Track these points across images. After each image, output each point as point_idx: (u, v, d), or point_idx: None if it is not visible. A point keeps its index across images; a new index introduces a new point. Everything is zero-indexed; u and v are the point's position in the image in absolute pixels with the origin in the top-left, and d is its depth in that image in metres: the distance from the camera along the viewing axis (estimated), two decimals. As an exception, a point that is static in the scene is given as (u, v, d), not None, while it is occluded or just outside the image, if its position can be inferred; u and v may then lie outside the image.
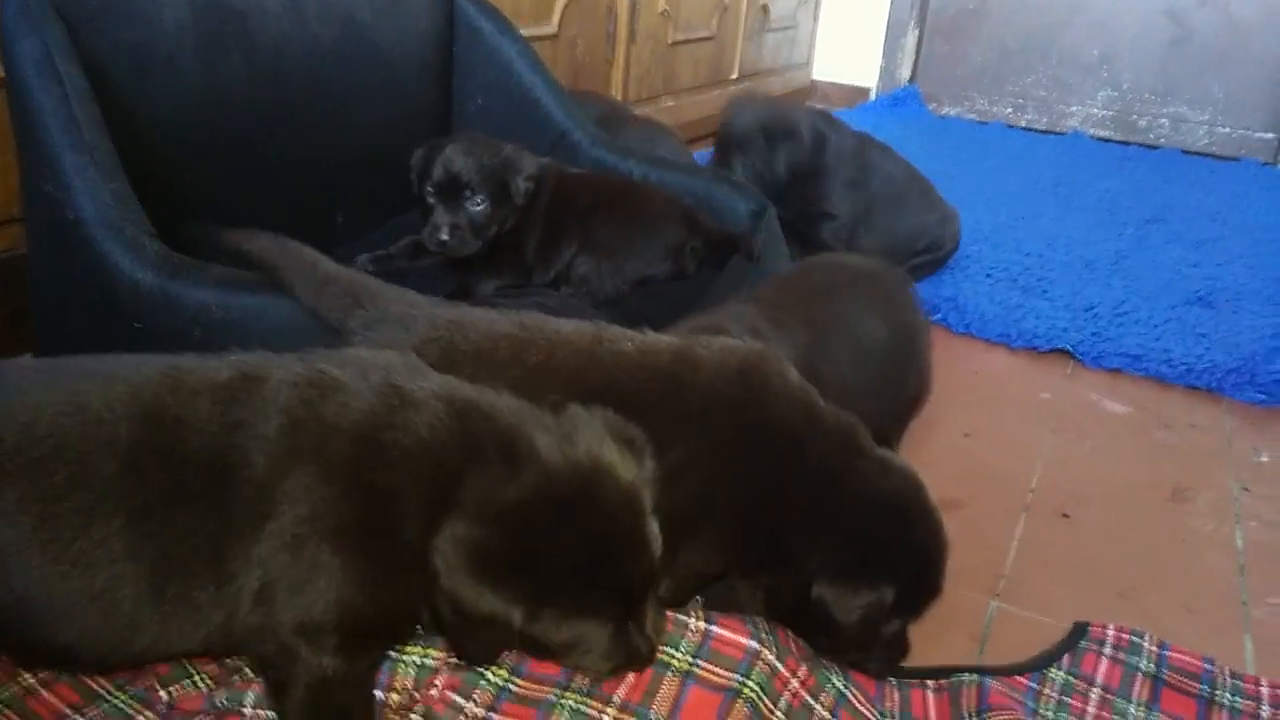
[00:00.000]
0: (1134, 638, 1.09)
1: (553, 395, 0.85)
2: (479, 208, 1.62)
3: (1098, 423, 1.65)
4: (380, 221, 1.82)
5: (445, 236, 1.61)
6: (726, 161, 2.08)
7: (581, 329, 0.98)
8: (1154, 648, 1.08)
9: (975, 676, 1.01)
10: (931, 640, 1.06)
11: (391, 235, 1.76)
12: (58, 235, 1.21)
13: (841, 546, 0.90)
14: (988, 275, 2.22)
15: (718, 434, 0.90)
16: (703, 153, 2.41)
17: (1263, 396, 1.76)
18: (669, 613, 0.91)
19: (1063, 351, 1.89)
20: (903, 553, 0.92)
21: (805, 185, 2.11)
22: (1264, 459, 1.56)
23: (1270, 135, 3.89)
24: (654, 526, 0.80)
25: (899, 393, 1.28)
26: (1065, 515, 1.35)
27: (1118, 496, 1.42)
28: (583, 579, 0.76)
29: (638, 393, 0.90)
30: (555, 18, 2.65)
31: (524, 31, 2.29)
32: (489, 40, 1.89)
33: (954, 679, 1.02)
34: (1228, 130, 3.97)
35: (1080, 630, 1.10)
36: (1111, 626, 1.10)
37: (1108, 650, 1.08)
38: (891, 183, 2.19)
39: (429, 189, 1.62)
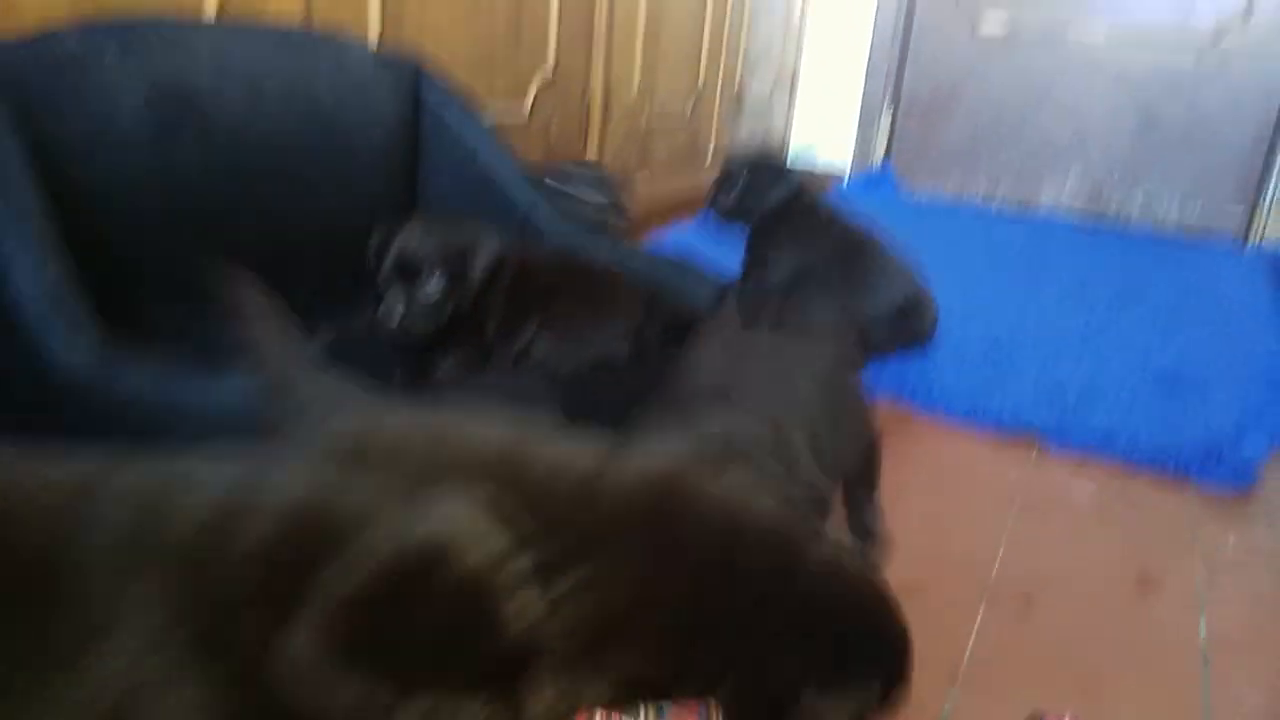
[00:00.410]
0: (1094, 731, 1.06)
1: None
2: (435, 289, 1.61)
3: (1063, 506, 1.63)
4: (339, 303, 1.81)
5: (399, 317, 1.60)
6: (726, 186, 2.25)
7: (502, 434, 0.93)
8: (1114, 743, 1.05)
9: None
10: None
11: (350, 316, 1.75)
12: (-7, 318, 1.19)
13: (816, 653, 0.87)
14: (955, 354, 2.22)
15: (627, 552, 0.86)
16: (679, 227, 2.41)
17: (1232, 480, 1.74)
18: (616, 714, 0.87)
19: (1030, 432, 1.88)
20: (878, 645, 0.89)
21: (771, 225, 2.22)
22: (1230, 546, 1.53)
23: (1239, 215, 3.94)
24: (514, 604, 0.74)
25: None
26: (1028, 603, 1.32)
27: (1081, 584, 1.39)
28: (441, 655, 0.71)
29: (545, 504, 0.86)
30: (528, 100, 2.68)
31: (497, 113, 2.32)
32: (453, 125, 1.91)
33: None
34: (1198, 210, 4.01)
35: (1037, 721, 1.07)
36: (1068, 715, 1.07)
37: (1067, 743, 1.05)
38: (848, 253, 2.26)
39: (384, 270, 1.62)
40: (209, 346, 1.39)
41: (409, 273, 1.61)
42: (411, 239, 1.61)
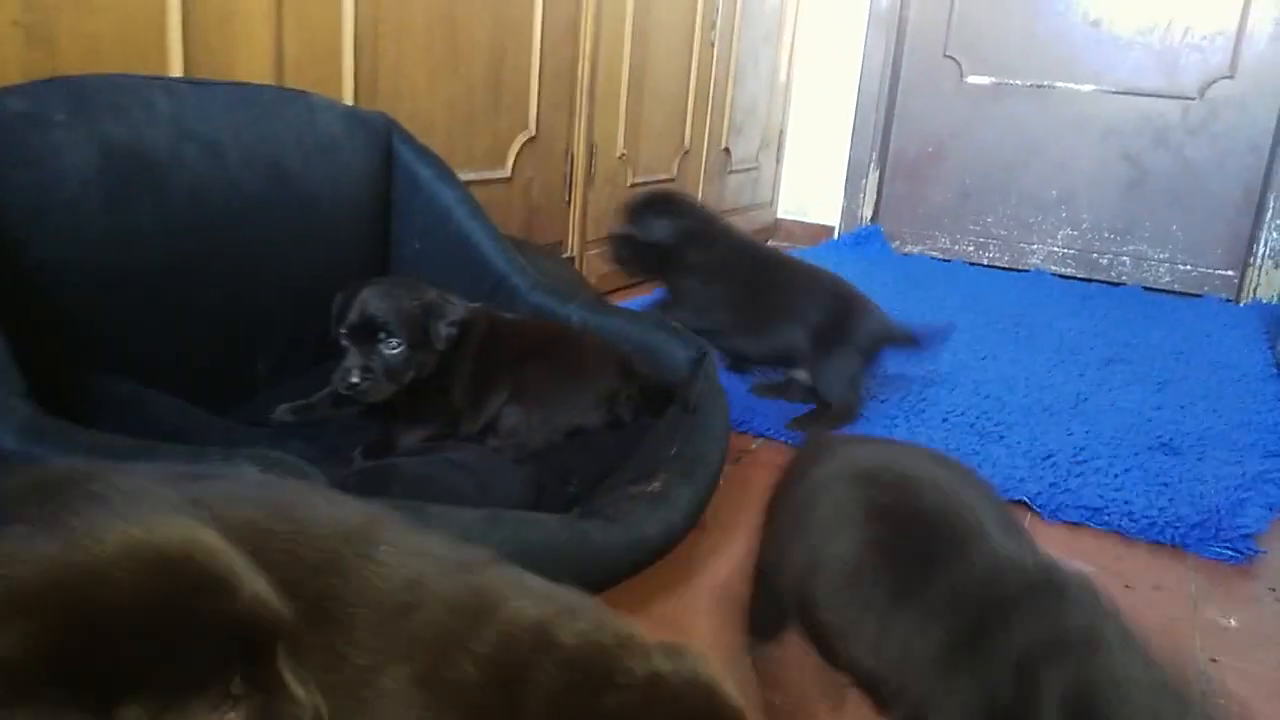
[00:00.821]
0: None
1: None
2: (394, 351, 1.55)
3: (1056, 583, 1.55)
4: (306, 369, 1.75)
5: (355, 379, 1.54)
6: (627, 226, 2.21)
7: (344, 520, 0.81)
8: None
9: None
10: None
11: (318, 383, 1.69)
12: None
13: None
14: (944, 420, 2.16)
15: (426, 663, 0.77)
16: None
17: (1229, 553, 1.67)
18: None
19: (1020, 503, 1.81)
20: None
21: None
22: (1232, 624, 1.46)
23: (1230, 272, 3.91)
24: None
25: None
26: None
27: (1075, 669, 1.31)
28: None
29: (359, 608, 0.77)
30: (510, 161, 2.65)
31: (478, 174, 2.29)
32: (426, 186, 1.87)
33: None
34: (1188, 268, 3.99)
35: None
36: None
37: None
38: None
39: (343, 331, 1.56)
40: (150, 421, 1.34)
41: (367, 334, 1.55)
42: (373, 300, 1.56)
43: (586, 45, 2.87)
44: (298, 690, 0.62)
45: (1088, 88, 4.00)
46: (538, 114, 2.72)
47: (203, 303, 1.56)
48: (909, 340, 2.26)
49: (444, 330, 1.58)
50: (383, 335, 1.55)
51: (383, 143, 1.83)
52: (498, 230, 1.86)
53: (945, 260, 4.30)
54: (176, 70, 1.68)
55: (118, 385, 1.40)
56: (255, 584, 0.60)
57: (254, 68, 1.80)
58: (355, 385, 1.54)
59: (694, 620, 1.30)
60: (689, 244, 2.19)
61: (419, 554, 0.79)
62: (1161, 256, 4.02)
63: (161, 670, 0.55)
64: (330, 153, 1.72)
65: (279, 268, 1.66)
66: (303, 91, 1.73)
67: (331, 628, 0.70)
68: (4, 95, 1.31)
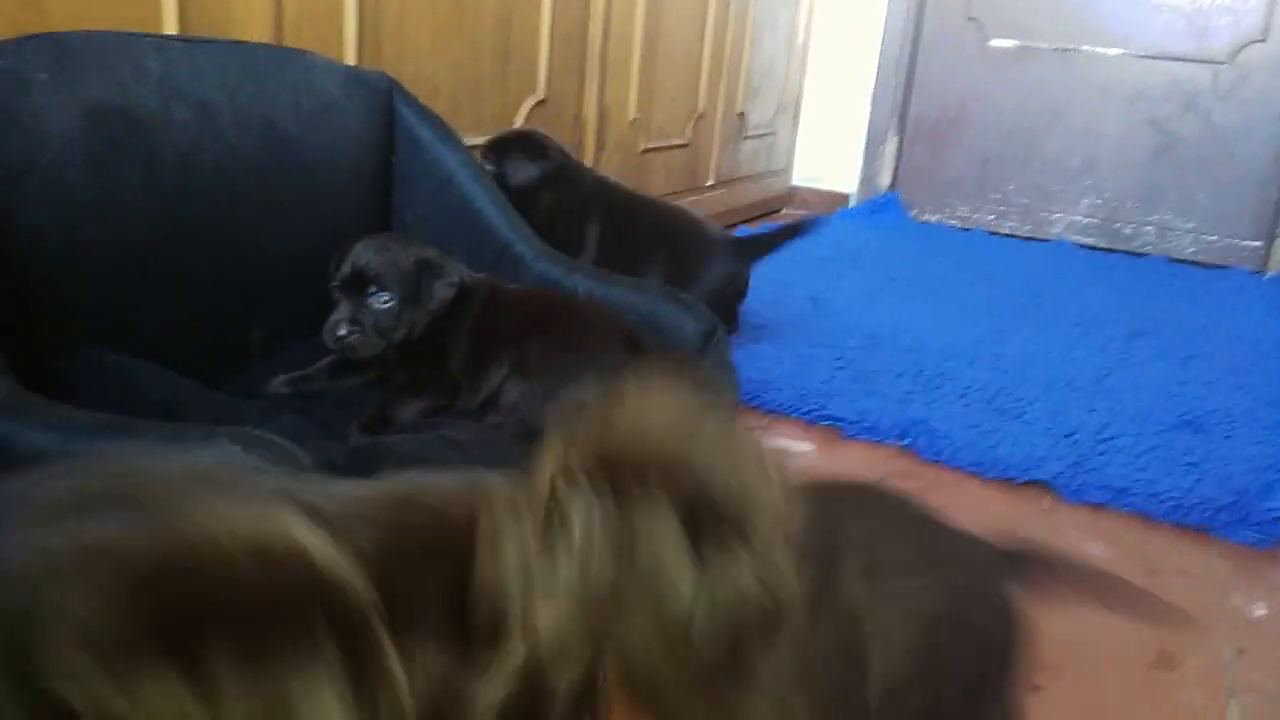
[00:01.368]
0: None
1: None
2: (384, 305, 1.52)
3: (1077, 568, 1.50)
4: (303, 337, 1.69)
5: (342, 332, 1.50)
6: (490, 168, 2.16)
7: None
8: None
9: None
10: None
11: (315, 353, 1.63)
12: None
13: None
14: (961, 396, 2.09)
15: None
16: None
17: (1258, 537, 1.61)
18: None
19: (1040, 483, 1.75)
20: None
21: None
22: (1261, 613, 1.41)
23: (1258, 243, 3.81)
24: None
25: None
26: (1036, 687, 1.19)
27: (1096, 663, 1.26)
28: None
29: None
30: (518, 124, 2.57)
31: (485, 139, 2.22)
32: (429, 149, 1.80)
33: None
34: (1214, 238, 3.89)
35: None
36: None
37: None
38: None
39: (334, 285, 1.53)
40: (137, 394, 1.29)
41: (358, 288, 1.52)
42: (365, 253, 1.52)
43: (599, 4, 2.78)
44: (400, 678, 0.57)
45: (1114, 51, 3.88)
46: (547, 77, 2.64)
47: (193, 270, 1.50)
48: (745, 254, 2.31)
49: (439, 290, 1.54)
50: (373, 289, 1.51)
51: (384, 104, 1.76)
52: (502, 196, 1.80)
53: (964, 229, 4.21)
54: (171, 29, 1.61)
55: (103, 357, 1.34)
56: (346, 568, 0.56)
57: (251, 26, 1.74)
58: (342, 338, 1.51)
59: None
60: (554, 185, 2.19)
61: None
62: (1187, 227, 3.92)
63: (257, 638, 0.53)
64: (329, 114, 1.66)
65: (274, 234, 1.60)
66: (300, 50, 1.67)
67: None
68: (-16, 53, 1.25)
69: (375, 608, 0.56)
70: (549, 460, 0.60)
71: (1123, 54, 3.88)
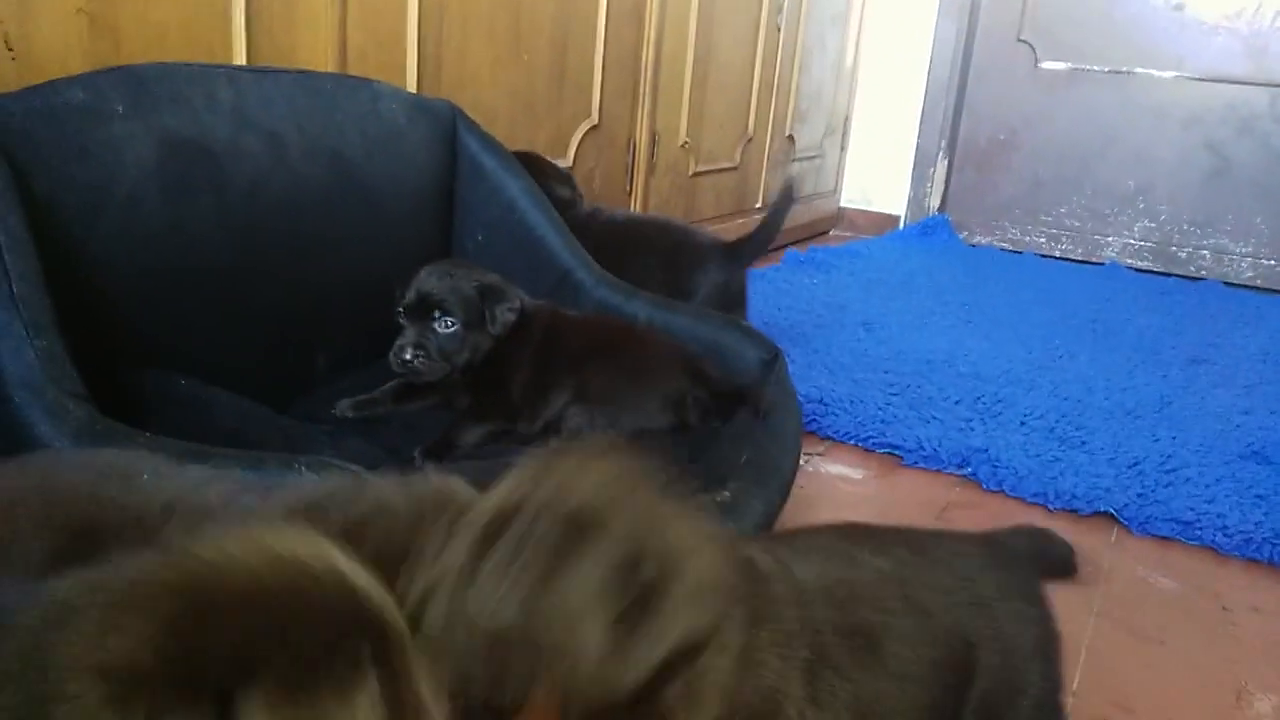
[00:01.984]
0: None
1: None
2: (448, 330, 1.54)
3: (1147, 604, 1.47)
4: (367, 363, 1.71)
5: (408, 356, 1.54)
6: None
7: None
8: None
9: None
10: None
11: (379, 378, 1.65)
12: (-19, 396, 1.10)
13: None
14: (1022, 424, 2.06)
15: None
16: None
17: (1333, 572, 1.57)
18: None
19: (1106, 515, 1.72)
20: None
21: None
22: (1341, 653, 1.37)
23: (1318, 267, 3.75)
24: None
25: None
26: (1112, 726, 1.17)
27: (1170, 701, 1.23)
28: None
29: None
30: (572, 149, 2.59)
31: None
32: (491, 177, 1.81)
33: None
34: (1272, 262, 3.83)
35: None
36: None
37: None
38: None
39: (399, 310, 1.56)
40: (208, 420, 1.30)
41: (423, 312, 1.54)
42: (429, 279, 1.55)
43: (650, 31, 2.80)
44: (431, 706, 0.57)
45: (1169, 74, 3.84)
46: (600, 102, 2.66)
47: (262, 297, 1.53)
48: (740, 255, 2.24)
49: (502, 314, 1.56)
50: (437, 314, 1.54)
51: (447, 132, 1.78)
52: (563, 223, 1.81)
53: (1015, 252, 4.17)
54: (240, 58, 1.64)
55: (175, 383, 1.36)
56: (376, 589, 0.57)
57: (317, 54, 1.77)
58: (407, 362, 1.53)
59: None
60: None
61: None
62: (1244, 251, 3.86)
63: (287, 665, 0.52)
64: (394, 143, 1.68)
65: (340, 261, 1.62)
66: (367, 80, 1.69)
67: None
68: (65, 86, 1.28)
69: (407, 636, 0.58)
70: (503, 490, 0.62)
71: (1177, 77, 3.83)
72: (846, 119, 4.35)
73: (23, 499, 0.78)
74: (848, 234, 4.39)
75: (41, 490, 0.80)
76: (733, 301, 2.22)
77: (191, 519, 0.77)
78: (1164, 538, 1.67)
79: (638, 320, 1.70)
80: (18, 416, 1.04)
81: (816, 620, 0.75)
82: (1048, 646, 0.88)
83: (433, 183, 1.77)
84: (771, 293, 3.02)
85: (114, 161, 1.30)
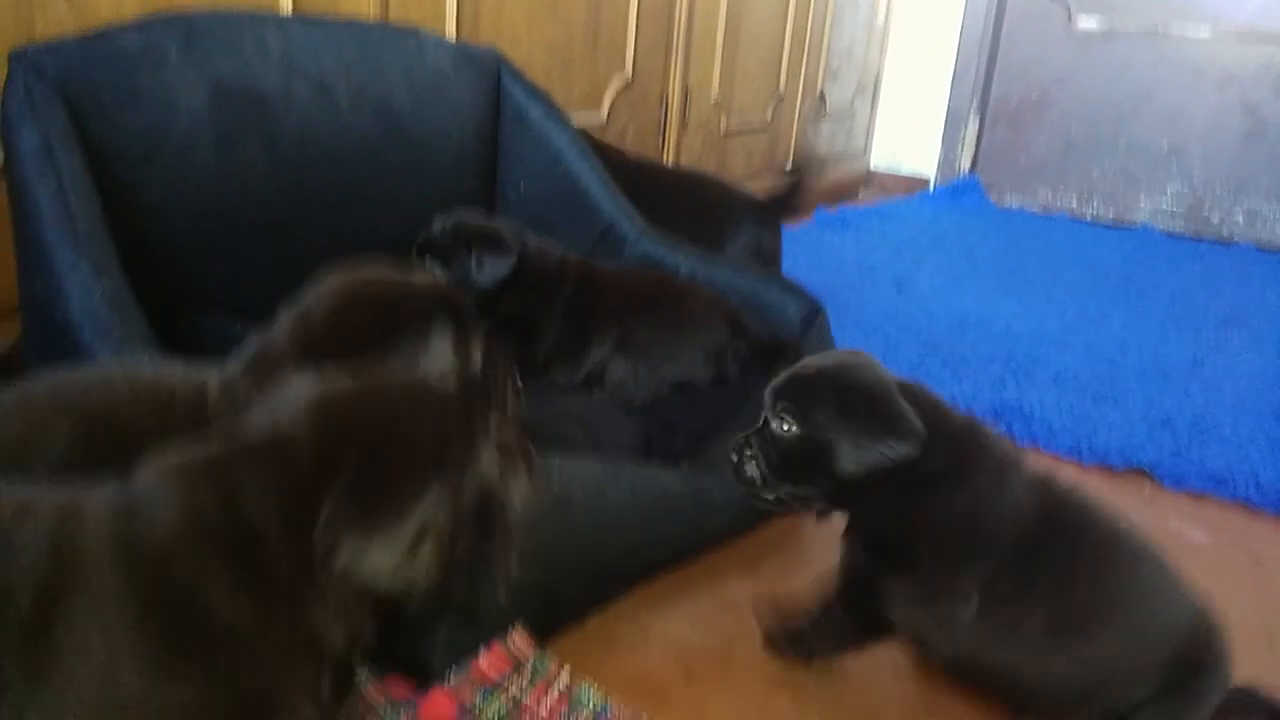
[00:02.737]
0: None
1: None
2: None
3: (1180, 558, 1.46)
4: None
5: None
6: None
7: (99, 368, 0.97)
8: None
9: None
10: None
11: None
12: (47, 334, 1.13)
13: None
14: (1055, 380, 2.07)
15: None
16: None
17: (1366, 528, 1.58)
18: None
19: (1140, 470, 1.74)
20: None
21: None
22: (1374, 604, 1.38)
23: (1352, 230, 3.72)
24: None
25: None
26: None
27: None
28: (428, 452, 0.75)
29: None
30: (605, 106, 2.59)
31: (574, 119, 2.23)
32: (536, 126, 1.81)
33: None
34: (1307, 224, 3.81)
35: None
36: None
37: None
38: None
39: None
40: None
41: (418, 258, 1.58)
42: (433, 227, 1.58)
43: (684, -15, 2.79)
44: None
45: (1205, 32, 3.80)
46: (634, 58, 2.66)
47: (310, 242, 1.54)
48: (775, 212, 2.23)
49: (491, 264, 1.57)
50: (427, 259, 1.57)
51: (491, 81, 1.78)
52: (608, 175, 1.81)
53: (1046, 214, 4.15)
54: (286, 6, 1.65)
55: (229, 328, 1.39)
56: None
57: (360, 4, 1.78)
58: None
59: (804, 582, 1.26)
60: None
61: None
62: (1278, 214, 3.83)
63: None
64: (439, 91, 1.69)
65: (386, 209, 1.64)
66: (413, 29, 1.70)
67: None
68: (119, 33, 1.30)
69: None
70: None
71: (1213, 35, 3.78)
72: (877, 77, 4.32)
73: (41, 393, 0.89)
74: (877, 195, 4.37)
75: (59, 387, 0.90)
76: (765, 261, 2.22)
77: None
78: (1197, 493, 1.68)
79: (680, 273, 1.71)
80: (86, 355, 1.07)
81: None
82: None
83: (477, 132, 1.77)
84: (802, 252, 3.02)
85: (167, 107, 1.32)
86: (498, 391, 1.04)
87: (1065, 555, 0.97)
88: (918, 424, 0.93)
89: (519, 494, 0.81)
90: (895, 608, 1.01)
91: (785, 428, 0.97)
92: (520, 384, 1.26)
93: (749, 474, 1.00)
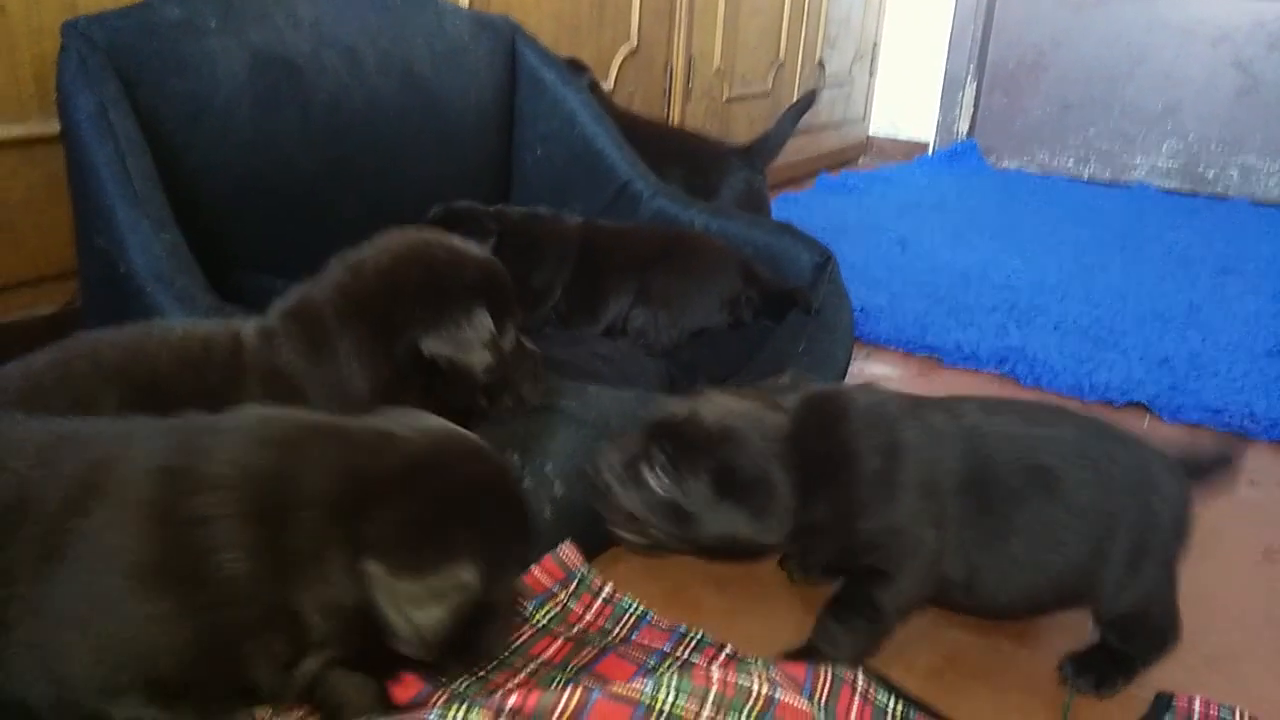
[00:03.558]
0: (1223, 713, 1.01)
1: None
2: None
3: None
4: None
5: None
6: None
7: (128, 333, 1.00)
8: (1247, 723, 1.00)
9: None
10: (1013, 710, 1.00)
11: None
12: (110, 289, 1.20)
13: None
14: (1056, 327, 2.15)
15: None
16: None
17: (1355, 452, 1.66)
18: (731, 676, 0.85)
19: (1138, 405, 1.81)
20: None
21: None
22: (1361, 518, 1.46)
23: (1345, 184, 3.78)
24: None
25: None
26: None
27: (1204, 559, 1.33)
28: (483, 525, 0.78)
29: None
30: (612, 74, 2.66)
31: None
32: (551, 90, 1.88)
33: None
34: (1300, 179, 3.87)
35: (1164, 704, 1.02)
36: (1198, 700, 1.02)
37: (1196, 725, 1.00)
38: None
39: None
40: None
41: None
42: (429, 213, 1.65)
43: (687, -46, 2.85)
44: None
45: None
46: (639, 27, 2.72)
47: (339, 207, 1.62)
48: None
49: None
50: None
51: (507, 47, 1.85)
52: (621, 135, 1.88)
53: (1044, 175, 4.22)
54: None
55: (269, 284, 1.46)
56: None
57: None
58: None
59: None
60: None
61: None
62: (1272, 169, 3.89)
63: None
64: (459, 57, 1.76)
65: (411, 172, 1.71)
66: (429, -1, 1.76)
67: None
68: (161, 4, 1.37)
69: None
70: None
71: (1207, -9, 3.84)
72: (875, 44, 4.38)
73: (82, 366, 0.94)
74: (877, 161, 4.44)
75: (97, 356, 0.95)
76: (757, 201, 2.30)
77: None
78: (1194, 424, 1.76)
79: (694, 227, 1.78)
80: (150, 306, 1.15)
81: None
82: (1179, 522, 1.03)
83: (495, 96, 1.84)
84: (805, 215, 3.09)
85: (209, 74, 1.40)
86: (523, 373, 1.08)
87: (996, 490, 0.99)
88: (787, 505, 0.93)
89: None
90: None
91: (655, 482, 0.95)
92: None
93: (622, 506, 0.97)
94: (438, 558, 0.75)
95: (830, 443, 0.97)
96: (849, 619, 1.01)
